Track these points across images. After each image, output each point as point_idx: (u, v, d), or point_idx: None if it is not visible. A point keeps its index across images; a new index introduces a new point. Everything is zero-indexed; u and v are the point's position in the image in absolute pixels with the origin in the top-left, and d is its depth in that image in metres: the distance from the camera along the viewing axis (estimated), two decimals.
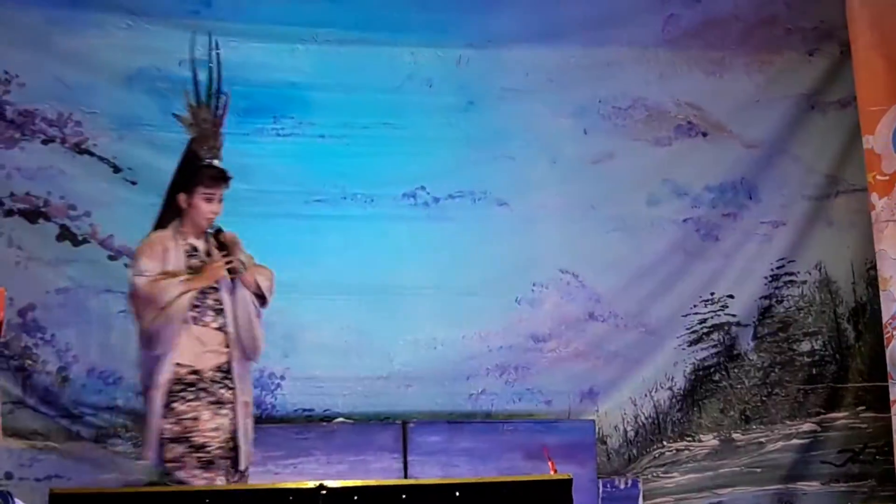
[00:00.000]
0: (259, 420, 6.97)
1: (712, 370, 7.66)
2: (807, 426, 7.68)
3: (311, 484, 5.02)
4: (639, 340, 7.56)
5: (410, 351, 7.22)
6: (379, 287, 7.19)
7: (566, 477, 5.18)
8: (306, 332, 7.13)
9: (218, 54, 6.21)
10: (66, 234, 6.99)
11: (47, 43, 6.93)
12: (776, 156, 7.72)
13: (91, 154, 7.02)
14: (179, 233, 6.06)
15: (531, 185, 7.42)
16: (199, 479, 5.88)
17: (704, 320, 7.66)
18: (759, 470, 7.61)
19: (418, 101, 7.32)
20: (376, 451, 6.90)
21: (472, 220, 7.32)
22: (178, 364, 5.95)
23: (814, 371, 7.74)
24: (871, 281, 7.55)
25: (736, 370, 7.68)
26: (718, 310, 7.65)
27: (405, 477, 6.81)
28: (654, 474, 7.53)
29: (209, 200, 6.06)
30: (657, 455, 7.55)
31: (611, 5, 7.48)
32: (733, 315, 7.67)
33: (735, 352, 7.70)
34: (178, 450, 5.91)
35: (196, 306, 5.98)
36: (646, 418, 7.55)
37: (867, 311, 7.71)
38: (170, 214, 6.07)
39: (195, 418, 5.94)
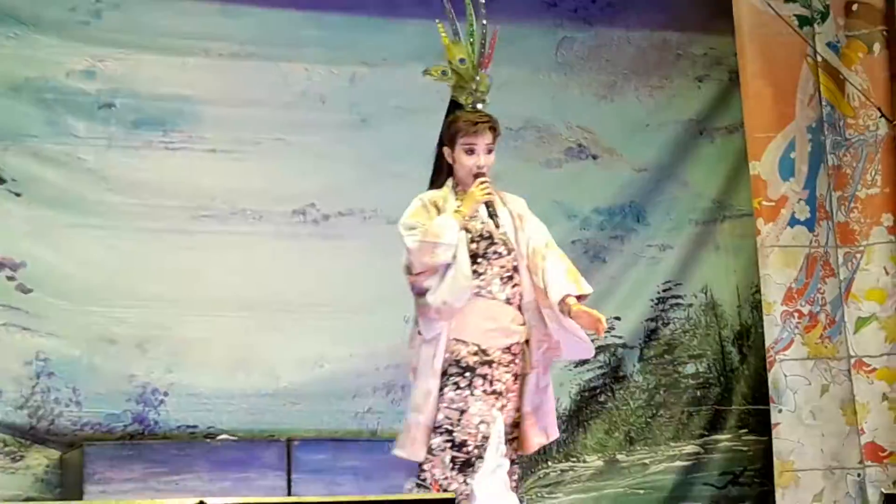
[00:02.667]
0: (142, 436, 6.94)
1: (598, 391, 7.71)
2: (690, 448, 7.75)
3: (192, 501, 4.97)
4: None
5: (297, 369, 7.18)
6: (266, 304, 7.15)
7: (449, 496, 5.19)
8: (192, 348, 7.06)
9: None
10: None
11: None
12: (665, 180, 7.80)
13: None
14: (453, 192, 5.51)
15: None
16: (455, 485, 5.38)
17: (591, 342, 7.70)
18: (642, 491, 7.67)
19: (311, 118, 7.30)
20: (260, 469, 6.85)
21: (361, 239, 7.31)
22: (455, 340, 5.42)
23: (698, 393, 7.82)
24: (756, 305, 7.66)
25: (621, 391, 7.74)
26: (605, 332, 7.68)
27: (289, 495, 6.78)
28: (539, 494, 7.56)
29: (471, 152, 5.50)
30: (542, 475, 7.59)
31: (504, 27, 7.49)
32: (619, 337, 7.73)
33: (621, 373, 7.76)
34: (435, 442, 5.41)
35: (478, 273, 5.41)
36: None
37: (751, 335, 7.81)
38: (441, 172, 5.59)
39: (461, 410, 5.39)
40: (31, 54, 6.90)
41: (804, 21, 7.42)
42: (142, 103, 7.05)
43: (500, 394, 5.42)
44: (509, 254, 5.47)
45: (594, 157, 7.72)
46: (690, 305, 7.83)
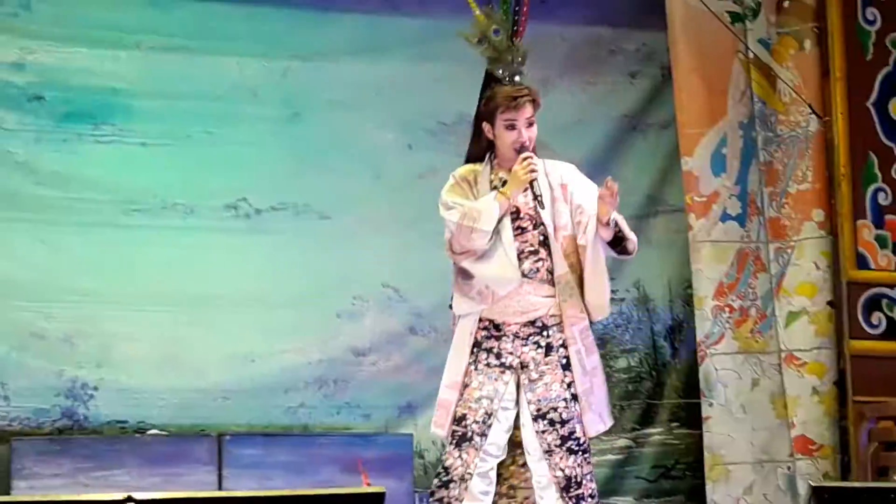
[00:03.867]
0: (71, 431, 6.88)
1: None
2: (622, 442, 7.77)
3: (119, 496, 4.91)
4: None
5: (228, 363, 7.14)
6: (197, 299, 7.11)
7: (380, 490, 5.16)
8: (122, 343, 7.01)
9: None
10: None
11: None
12: (597, 175, 7.66)
13: None
14: (492, 167, 5.39)
15: (354, 198, 7.41)
16: (451, 459, 5.26)
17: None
18: None
19: (243, 112, 7.27)
20: (191, 464, 6.81)
21: (293, 233, 7.28)
22: (485, 319, 5.29)
23: (630, 387, 7.85)
24: (688, 300, 7.69)
25: None
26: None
27: (220, 490, 6.74)
28: None
29: (511, 128, 5.35)
30: None
31: (438, 22, 7.50)
32: None
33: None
34: (441, 418, 5.30)
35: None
36: None
37: (683, 330, 7.84)
38: (479, 147, 5.44)
39: (466, 384, 5.29)
40: None
41: (736, 17, 7.46)
42: (72, 96, 6.99)
43: (511, 367, 5.29)
44: (535, 228, 5.35)
45: None
46: (623, 300, 7.85)
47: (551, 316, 5.33)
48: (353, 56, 7.40)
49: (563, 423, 5.28)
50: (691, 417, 7.65)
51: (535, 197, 5.30)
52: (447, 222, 5.32)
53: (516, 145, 5.34)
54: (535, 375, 5.30)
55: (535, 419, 5.27)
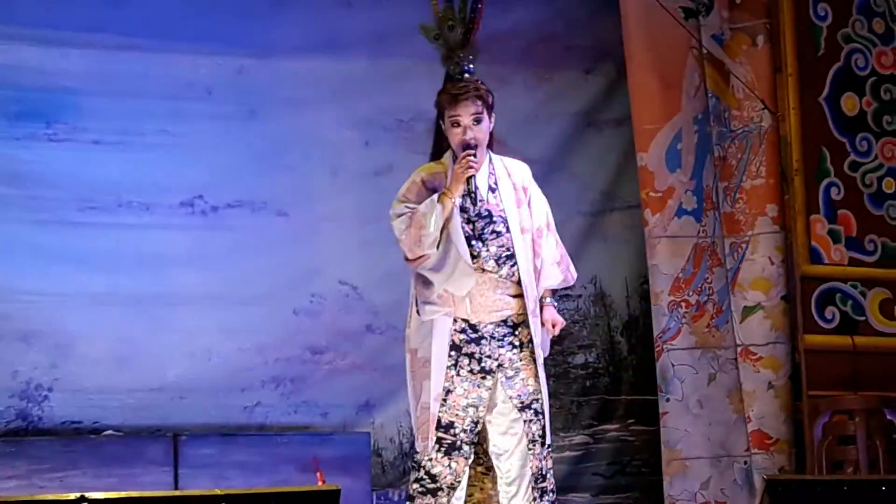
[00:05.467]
0: (25, 432, 6.82)
1: None
2: (579, 438, 7.79)
3: (72, 496, 4.88)
4: None
5: (184, 362, 7.10)
6: (153, 297, 7.06)
7: (334, 488, 5.15)
8: (76, 343, 6.96)
9: None
10: None
11: None
12: (553, 172, 7.81)
13: None
14: (452, 164, 5.37)
15: (312, 195, 7.40)
16: (439, 467, 5.29)
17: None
18: None
19: (197, 109, 7.23)
20: (146, 465, 6.79)
21: (250, 230, 7.25)
22: (454, 319, 5.32)
23: (587, 383, 7.86)
24: (644, 295, 7.72)
25: None
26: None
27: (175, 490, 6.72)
28: None
29: (455, 125, 5.35)
30: None
31: (394, 19, 7.49)
32: None
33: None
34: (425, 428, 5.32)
35: (473, 255, 5.29)
36: None
37: (639, 325, 7.87)
38: (439, 145, 5.49)
39: (448, 390, 5.32)
40: None
41: (690, 13, 7.48)
42: (24, 95, 6.94)
43: (491, 371, 5.34)
44: (509, 231, 5.39)
45: None
46: (580, 296, 7.87)
47: (519, 315, 5.39)
48: (309, 53, 7.37)
49: (543, 415, 5.40)
50: (647, 413, 7.67)
51: (469, 193, 5.34)
52: (395, 231, 5.37)
53: (461, 143, 5.36)
54: (511, 373, 5.38)
55: (521, 409, 5.36)
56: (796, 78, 7.43)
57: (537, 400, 5.39)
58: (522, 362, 5.40)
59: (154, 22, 7.13)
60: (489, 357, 5.36)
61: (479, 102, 5.43)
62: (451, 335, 5.35)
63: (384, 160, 7.49)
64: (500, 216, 5.41)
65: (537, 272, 5.44)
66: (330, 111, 7.45)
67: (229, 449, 6.94)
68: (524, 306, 5.37)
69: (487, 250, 5.37)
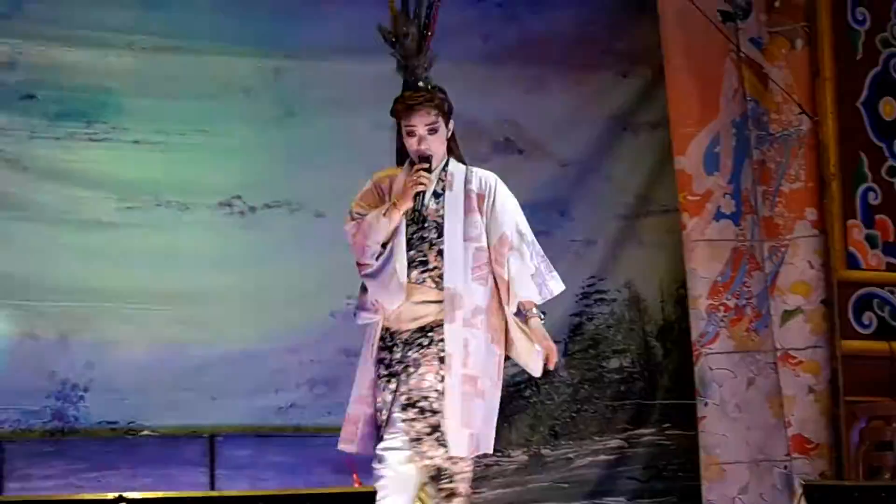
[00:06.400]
0: (62, 433, 6.82)
1: (523, 386, 7.70)
2: (614, 442, 7.77)
3: (111, 496, 4.88)
4: None
5: (220, 363, 7.09)
6: (190, 297, 7.07)
7: (370, 489, 5.15)
8: (113, 343, 6.97)
9: None
10: None
11: None
12: (589, 175, 7.82)
13: None
14: (408, 172, 5.37)
15: (349, 196, 7.31)
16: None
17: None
18: (566, 485, 7.68)
19: (236, 110, 7.24)
20: (183, 465, 6.83)
21: (287, 231, 7.25)
22: (383, 327, 5.38)
23: (622, 388, 7.84)
24: (679, 300, 7.70)
25: (546, 386, 7.74)
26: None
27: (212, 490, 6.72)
28: None
29: (410, 134, 5.36)
30: None
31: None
32: None
33: (545, 368, 7.74)
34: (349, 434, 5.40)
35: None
36: None
37: (675, 330, 7.84)
38: (402, 151, 5.47)
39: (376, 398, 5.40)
40: None
41: (728, 17, 7.46)
42: (64, 95, 6.96)
43: (396, 374, 5.34)
44: (439, 237, 5.38)
45: (520, 152, 7.71)
46: (614, 300, 7.85)
47: (437, 320, 5.37)
48: (346, 54, 7.36)
49: (434, 413, 5.29)
50: (683, 418, 7.65)
51: (415, 211, 5.32)
52: (347, 237, 5.43)
53: (416, 154, 5.36)
54: (412, 370, 5.35)
55: (403, 408, 5.29)
56: (834, 82, 7.41)
57: (427, 398, 5.29)
58: (426, 359, 5.34)
59: (193, 23, 7.15)
60: (399, 362, 5.36)
61: (434, 112, 5.43)
62: (377, 345, 5.41)
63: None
64: (435, 222, 5.39)
65: (505, 283, 5.39)
66: (367, 112, 7.37)
67: (265, 450, 6.96)
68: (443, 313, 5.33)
69: (409, 252, 5.37)
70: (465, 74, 7.58)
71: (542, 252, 5.56)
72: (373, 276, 5.36)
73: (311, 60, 7.33)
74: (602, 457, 7.73)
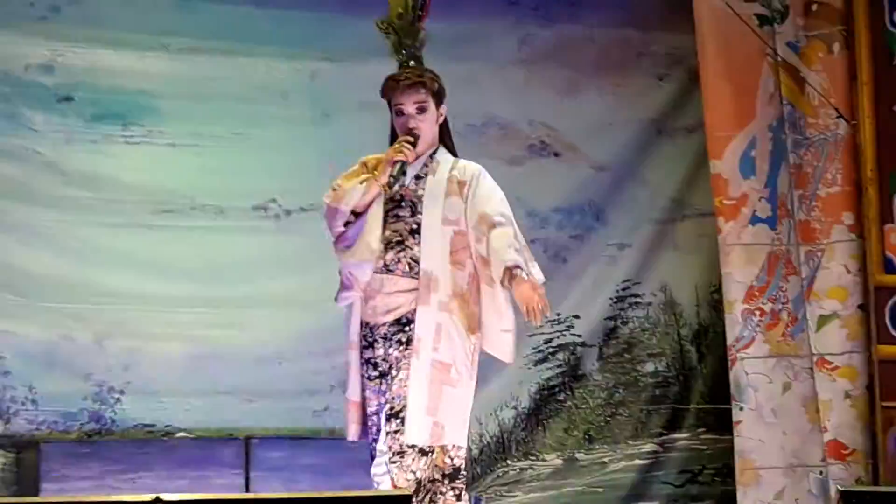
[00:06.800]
0: (98, 434, 6.85)
1: (557, 390, 7.70)
2: (649, 447, 7.76)
3: (148, 497, 4.88)
4: (483, 359, 7.50)
5: (255, 366, 7.11)
6: (225, 300, 7.09)
7: (406, 492, 5.14)
8: (149, 345, 7.00)
9: None
10: None
11: None
12: (624, 179, 7.81)
13: None
14: None
15: None
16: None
17: (550, 340, 7.70)
18: (601, 490, 7.67)
19: (272, 113, 7.25)
20: (218, 467, 6.84)
21: (323, 234, 7.14)
22: (362, 322, 5.25)
23: (657, 392, 7.83)
24: (714, 304, 7.68)
25: (580, 390, 7.73)
26: (564, 330, 7.69)
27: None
28: (498, 493, 7.54)
29: (399, 113, 5.29)
30: (501, 474, 7.57)
31: (467, 23, 7.49)
32: (579, 335, 7.72)
33: (580, 372, 7.75)
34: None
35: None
36: (490, 437, 7.57)
37: (709, 334, 7.82)
38: (395, 137, 5.38)
39: (366, 396, 5.28)
40: None
41: (764, 20, 7.42)
42: (101, 97, 6.99)
43: (386, 374, 5.24)
44: (412, 216, 5.26)
45: (556, 155, 7.71)
46: (649, 304, 7.84)
47: (414, 310, 5.23)
48: (383, 57, 7.31)
49: None
50: (718, 422, 7.63)
51: (389, 177, 5.18)
52: (323, 207, 5.31)
53: (403, 131, 5.25)
54: (394, 373, 5.22)
55: (388, 418, 5.17)
56: (871, 86, 7.34)
57: (406, 406, 5.16)
58: (405, 361, 5.21)
59: (229, 25, 7.16)
60: (384, 360, 5.25)
61: (423, 90, 5.33)
62: (360, 340, 5.28)
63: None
64: (411, 201, 5.28)
65: (485, 259, 5.19)
66: None
67: (300, 452, 6.96)
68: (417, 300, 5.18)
69: (382, 234, 5.25)
70: (501, 78, 7.62)
71: (525, 243, 5.36)
72: (345, 245, 5.23)
73: (348, 63, 7.32)
74: (637, 461, 7.71)
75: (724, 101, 7.39)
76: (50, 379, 6.86)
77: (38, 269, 6.87)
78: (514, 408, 7.61)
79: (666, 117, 7.86)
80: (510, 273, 5.14)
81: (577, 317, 7.73)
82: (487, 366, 7.47)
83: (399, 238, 5.23)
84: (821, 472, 7.21)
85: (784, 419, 7.24)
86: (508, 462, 7.58)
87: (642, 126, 7.82)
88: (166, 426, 7.00)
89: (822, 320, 7.26)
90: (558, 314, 7.68)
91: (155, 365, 7.02)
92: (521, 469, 7.60)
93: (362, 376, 5.31)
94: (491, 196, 5.34)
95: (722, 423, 7.53)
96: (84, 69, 6.96)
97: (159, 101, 7.07)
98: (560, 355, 7.70)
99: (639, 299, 7.85)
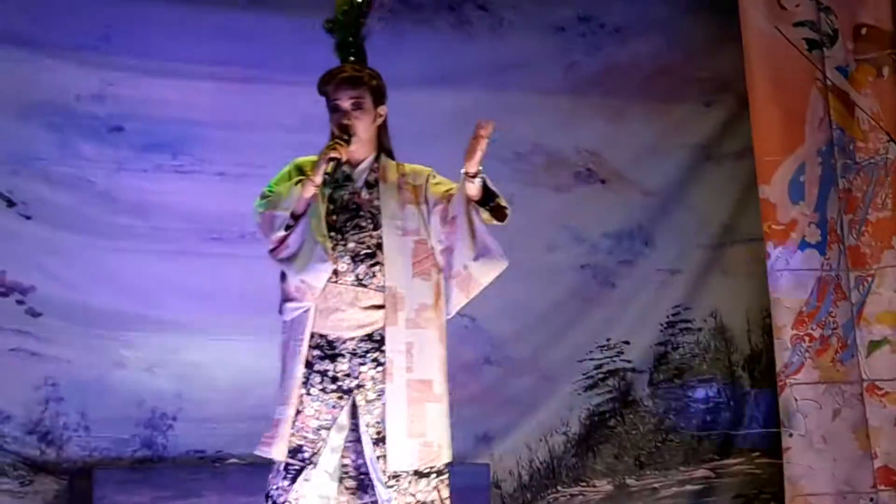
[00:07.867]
0: (150, 461, 6.91)
1: (607, 415, 7.69)
2: (700, 472, 7.73)
3: None
4: (534, 385, 7.56)
5: None
6: (274, 327, 7.04)
7: None
8: (201, 372, 7.05)
9: None
10: None
11: None
12: (672, 204, 7.80)
13: None
14: None
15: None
16: (284, 496, 4.94)
17: (600, 366, 7.69)
18: None
19: (318, 142, 7.22)
20: None
21: None
22: (311, 335, 5.01)
23: (708, 418, 7.80)
24: (767, 329, 7.63)
25: (631, 416, 7.72)
26: (614, 356, 7.69)
27: None
28: None
29: (334, 109, 5.16)
30: (551, 500, 7.56)
31: (513, 50, 7.52)
32: (629, 361, 7.71)
33: (630, 398, 7.73)
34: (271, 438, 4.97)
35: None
36: (540, 463, 7.56)
37: (762, 360, 7.78)
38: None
39: (299, 411, 5.00)
40: (41, 78, 6.91)
41: (813, 45, 7.39)
42: (151, 127, 7.06)
43: (349, 391, 4.99)
44: (375, 229, 5.09)
45: (603, 182, 7.71)
46: (700, 329, 7.82)
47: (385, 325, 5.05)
48: (426, 85, 7.40)
49: None
50: (769, 449, 7.59)
51: (323, 175, 5.01)
52: (254, 217, 5.14)
53: (338, 127, 5.12)
54: (371, 396, 5.02)
55: (375, 443, 4.98)
56: None
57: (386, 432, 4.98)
58: (382, 385, 4.99)
59: (278, 55, 7.21)
60: (347, 375, 5.01)
61: (361, 87, 5.20)
62: (307, 353, 5.04)
63: (502, 192, 7.44)
64: (370, 212, 5.11)
65: (450, 220, 5.05)
66: (447, 143, 7.28)
67: None
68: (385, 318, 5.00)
69: (344, 245, 5.06)
70: (547, 105, 7.64)
71: None
72: (293, 254, 5.04)
73: (393, 92, 7.27)
74: (688, 487, 7.68)
75: (773, 126, 7.37)
76: (102, 405, 6.92)
77: (91, 297, 6.94)
78: (565, 433, 7.60)
79: (714, 143, 7.85)
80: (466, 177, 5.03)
81: (627, 342, 7.72)
82: (537, 392, 7.52)
83: (368, 251, 5.07)
84: (871, 499, 7.15)
85: (834, 445, 7.18)
86: (559, 488, 7.57)
87: (690, 152, 7.82)
88: (217, 452, 7.04)
89: (873, 346, 7.21)
90: (608, 339, 7.68)
91: (207, 391, 7.07)
92: (572, 495, 7.59)
93: (309, 388, 5.04)
94: (443, 183, 5.24)
95: (773, 448, 7.49)
96: (135, 99, 7.04)
97: (209, 131, 7.13)
98: (610, 381, 7.69)
99: (689, 325, 7.83)
